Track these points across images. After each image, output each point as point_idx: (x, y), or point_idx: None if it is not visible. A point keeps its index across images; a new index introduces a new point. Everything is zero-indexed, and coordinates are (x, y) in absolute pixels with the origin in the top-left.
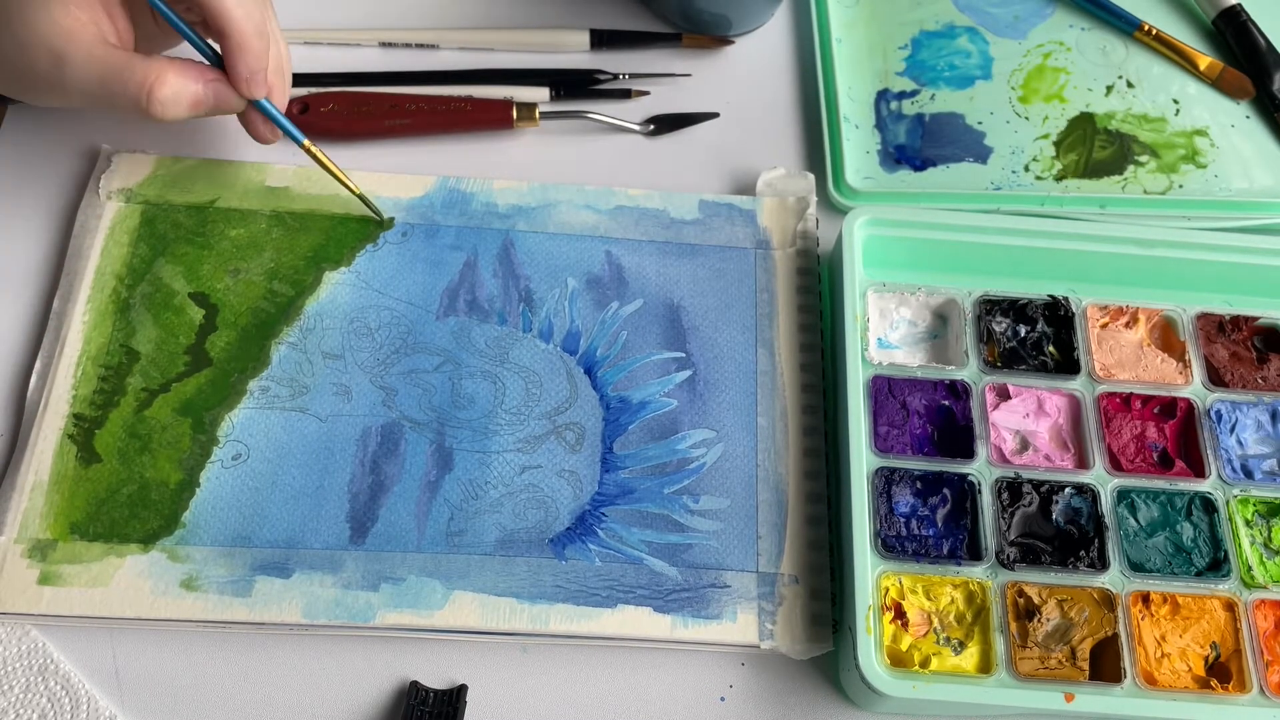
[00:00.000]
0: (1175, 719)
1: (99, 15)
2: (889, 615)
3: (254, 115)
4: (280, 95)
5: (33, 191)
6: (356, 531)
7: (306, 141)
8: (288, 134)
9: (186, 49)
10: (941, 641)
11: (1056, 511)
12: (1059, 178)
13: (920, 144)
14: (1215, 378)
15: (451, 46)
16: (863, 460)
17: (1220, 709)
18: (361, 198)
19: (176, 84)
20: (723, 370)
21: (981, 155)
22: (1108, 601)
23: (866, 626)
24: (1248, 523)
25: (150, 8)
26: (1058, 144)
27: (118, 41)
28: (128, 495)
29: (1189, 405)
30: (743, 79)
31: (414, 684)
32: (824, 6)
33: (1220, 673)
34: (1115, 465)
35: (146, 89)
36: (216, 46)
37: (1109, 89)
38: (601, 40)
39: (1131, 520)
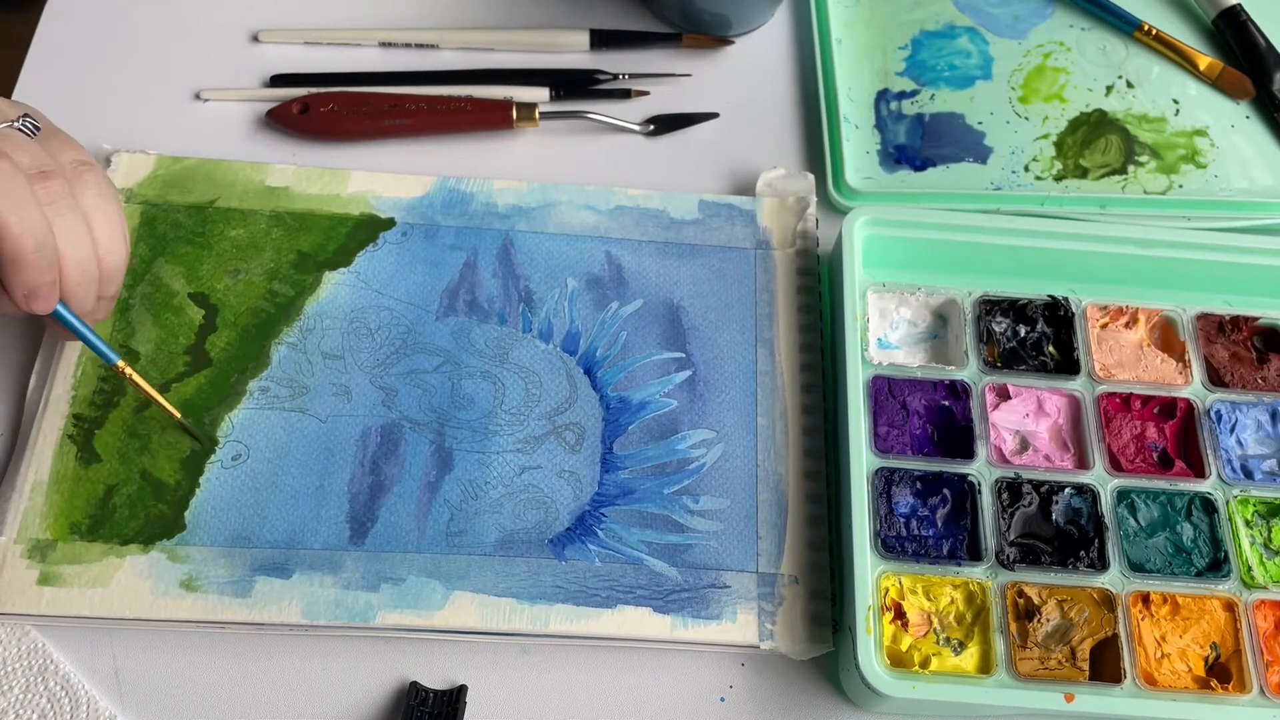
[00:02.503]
0: (1175, 719)
1: None
2: (889, 615)
3: (53, 323)
4: (84, 298)
5: None
6: (356, 532)
7: (120, 363)
8: (94, 350)
9: None
10: (941, 642)
11: (1056, 512)
12: (1059, 178)
13: (920, 144)
14: (1215, 378)
15: (451, 46)
16: (863, 460)
17: (1220, 709)
18: (182, 425)
19: None
20: (723, 370)
21: (981, 155)
22: (1108, 602)
23: (866, 627)
24: (1248, 523)
25: None
26: (1059, 144)
27: None
28: (127, 495)
29: (1189, 405)
30: (743, 79)
31: (414, 684)
32: (824, 6)
33: (1220, 673)
34: (1115, 465)
35: None
36: None
37: (1109, 89)
38: (601, 40)
39: (1131, 520)
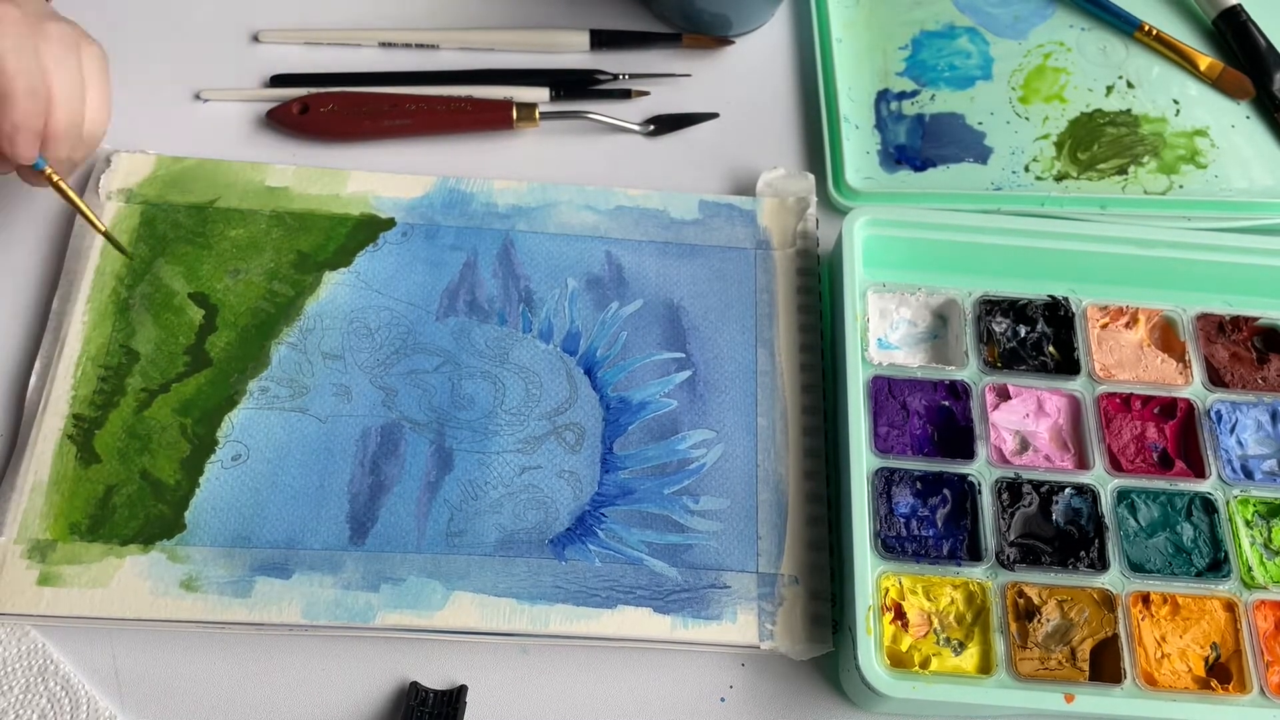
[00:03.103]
0: (1175, 719)
1: None
2: (889, 616)
3: (25, 170)
4: (66, 147)
5: (33, 192)
6: (356, 532)
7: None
8: (61, 192)
9: None
10: (941, 642)
11: (1056, 512)
12: (1059, 178)
13: (920, 144)
14: (1215, 378)
15: (451, 46)
16: (863, 461)
17: (1220, 709)
18: (108, 236)
19: None
20: (723, 370)
21: (981, 155)
22: (1108, 602)
23: (866, 627)
24: (1248, 523)
25: None
26: (1059, 144)
27: None
28: (127, 496)
29: (1189, 405)
30: (743, 79)
31: (414, 684)
32: (824, 6)
33: (1220, 673)
34: (1115, 465)
35: None
36: None
37: (1109, 89)
38: (601, 40)
39: (1131, 521)
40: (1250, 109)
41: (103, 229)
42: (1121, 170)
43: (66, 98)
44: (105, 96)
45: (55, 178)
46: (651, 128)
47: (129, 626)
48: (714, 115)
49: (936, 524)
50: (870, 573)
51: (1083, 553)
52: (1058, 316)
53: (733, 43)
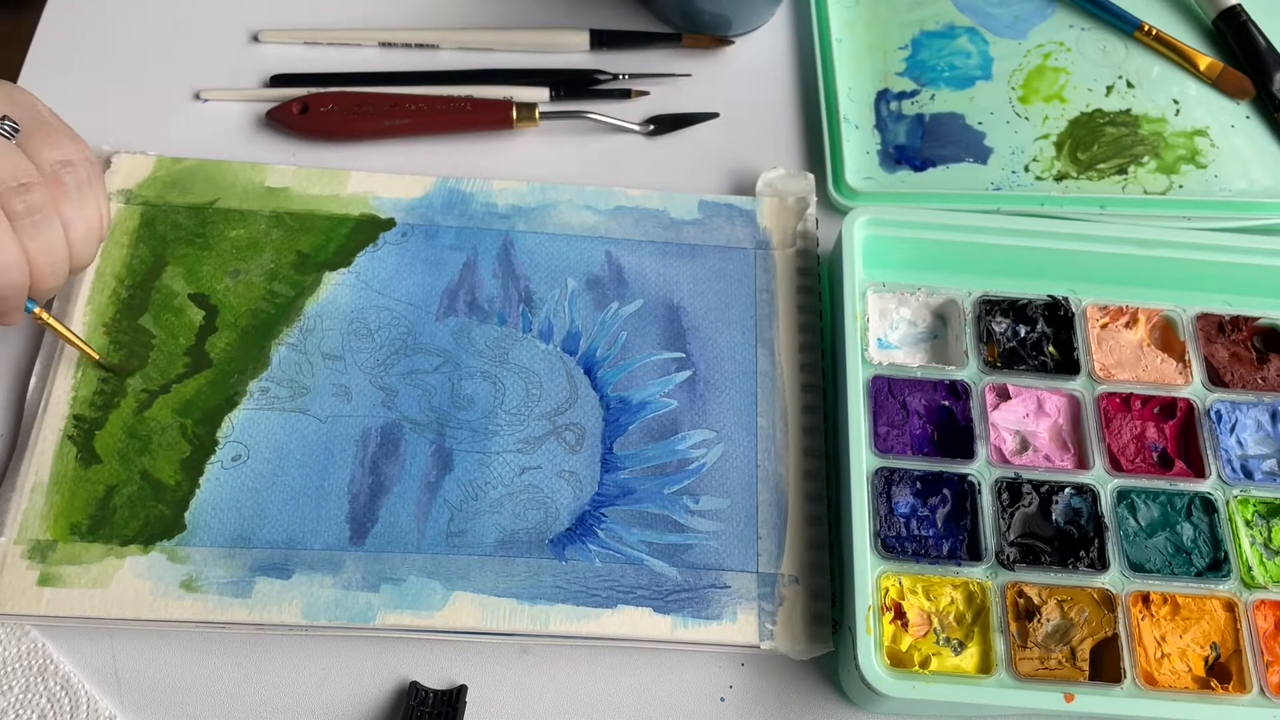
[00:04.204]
0: (1175, 719)
1: None
2: (889, 615)
3: None
4: (51, 293)
5: None
6: (356, 532)
7: (38, 309)
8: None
9: None
10: (941, 642)
11: (1056, 512)
12: (1059, 178)
13: (920, 144)
14: (1215, 378)
15: (451, 46)
16: (862, 460)
17: (1220, 709)
18: (101, 363)
19: None
20: (723, 370)
21: (981, 155)
22: (1108, 602)
23: (866, 627)
24: (1248, 523)
25: None
26: (1059, 144)
27: None
28: (128, 496)
29: (1189, 405)
30: (743, 79)
31: (414, 684)
32: (824, 6)
33: (1220, 673)
34: (1115, 465)
35: None
36: None
37: (1109, 89)
38: (601, 40)
39: (1131, 520)
40: (1250, 109)
41: (96, 358)
42: (1121, 170)
43: (49, 259)
44: (90, 227)
45: (45, 317)
46: (651, 128)
47: (129, 627)
48: (714, 115)
49: (936, 524)
50: (870, 572)
51: (1083, 552)
52: (1058, 316)
53: (733, 43)
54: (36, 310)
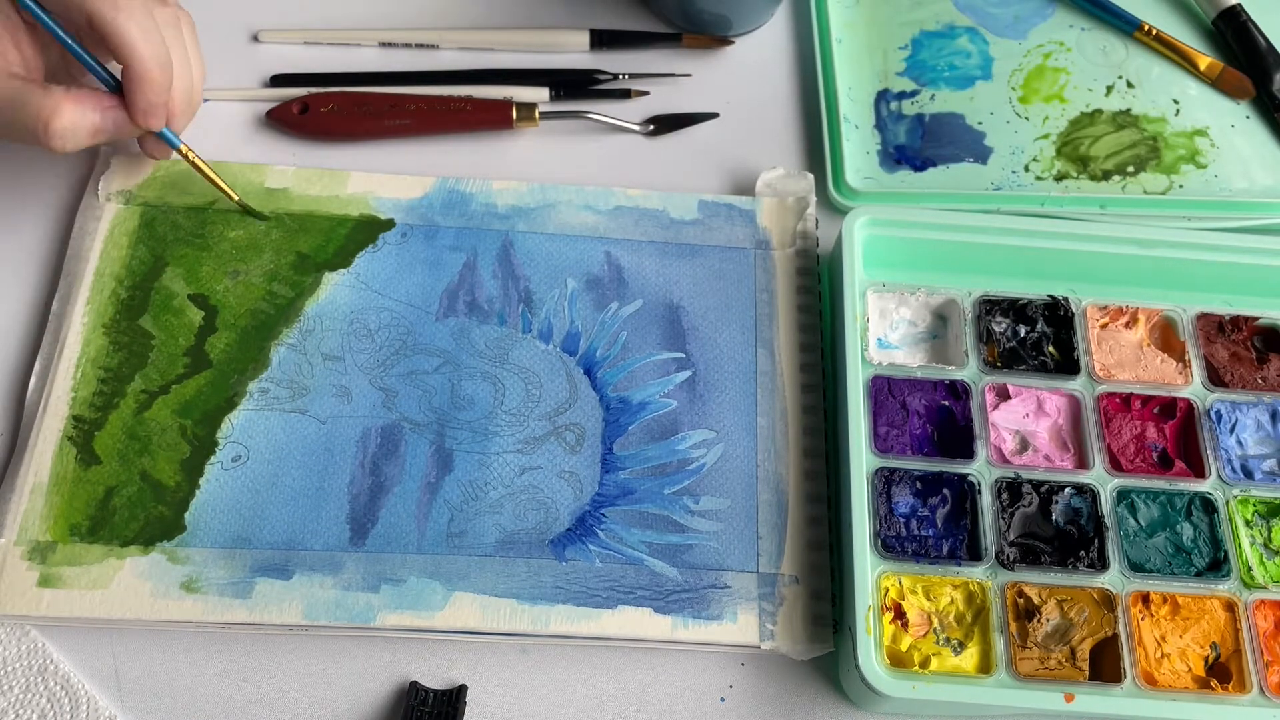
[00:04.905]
0: (1175, 719)
1: (4, 46)
2: (889, 615)
3: (149, 138)
4: (182, 119)
5: (32, 193)
6: (356, 533)
7: (184, 146)
8: (172, 146)
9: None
10: (941, 642)
11: (1056, 512)
12: (1059, 178)
13: (920, 144)
14: (1215, 378)
15: (451, 46)
16: (862, 460)
17: (1220, 709)
18: (242, 205)
19: (73, 115)
20: (723, 370)
21: (981, 155)
22: (1108, 602)
23: (866, 627)
24: (1248, 523)
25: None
26: (1059, 144)
27: (24, 71)
28: (127, 497)
29: (1189, 405)
30: (743, 79)
31: (414, 684)
32: (824, 6)
33: (1220, 673)
34: (1115, 465)
35: (43, 121)
36: (118, 71)
37: (1109, 89)
38: (601, 40)
39: (1131, 520)
40: (1250, 109)
41: (235, 198)
42: (1121, 170)
43: (183, 72)
44: (202, 63)
45: (191, 155)
46: (651, 128)
47: (129, 627)
48: (714, 115)
49: (936, 524)
50: (870, 572)
51: (1082, 552)
52: (1057, 316)
53: (733, 43)
54: (183, 147)
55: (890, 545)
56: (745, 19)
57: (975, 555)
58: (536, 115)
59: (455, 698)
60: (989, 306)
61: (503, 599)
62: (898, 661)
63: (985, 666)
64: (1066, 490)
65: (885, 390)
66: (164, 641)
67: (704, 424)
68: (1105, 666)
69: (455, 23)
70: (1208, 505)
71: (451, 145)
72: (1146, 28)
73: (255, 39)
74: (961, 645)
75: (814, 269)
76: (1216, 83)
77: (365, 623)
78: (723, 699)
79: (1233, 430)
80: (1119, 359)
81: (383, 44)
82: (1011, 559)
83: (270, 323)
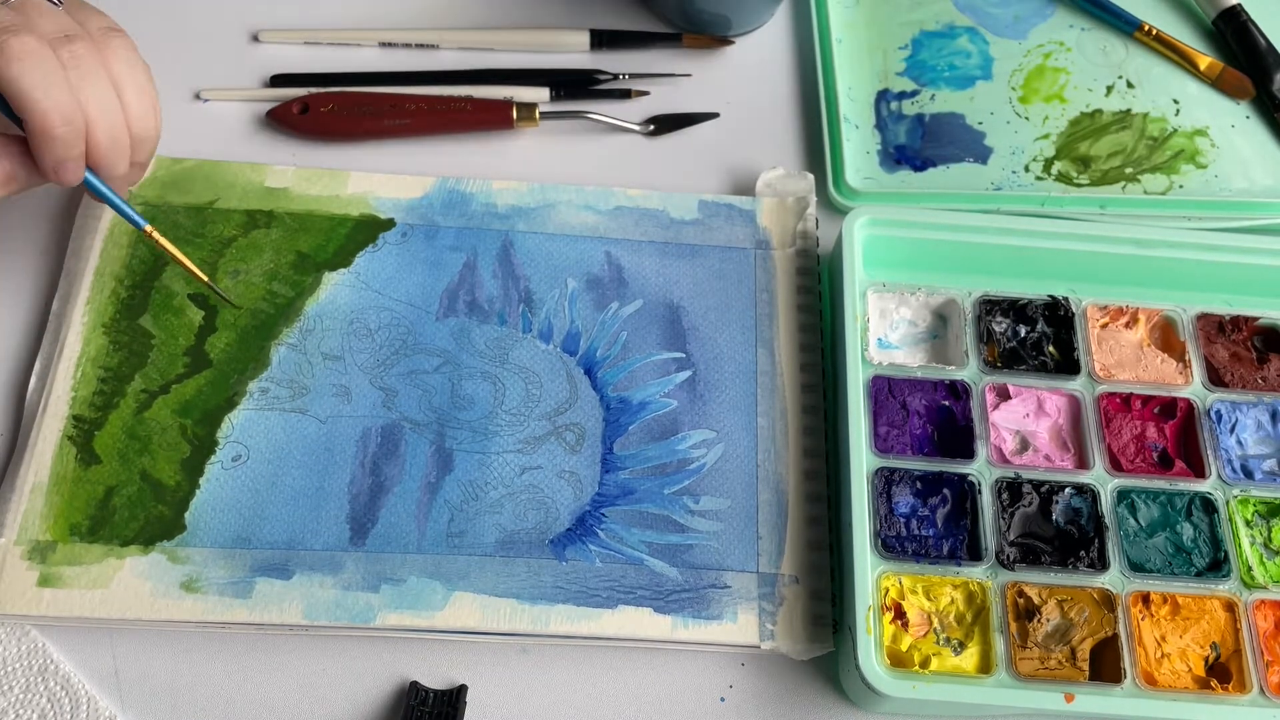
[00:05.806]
0: (1175, 719)
1: None
2: (889, 615)
3: (88, 191)
4: (116, 164)
5: (32, 192)
6: (357, 533)
7: (148, 227)
8: (124, 216)
9: None
10: (941, 642)
11: (1056, 512)
12: (1059, 178)
13: (920, 144)
14: (1215, 378)
15: (451, 46)
16: (863, 460)
17: (1220, 709)
18: (211, 288)
19: None
20: (723, 370)
21: (981, 155)
22: (1108, 602)
23: (866, 627)
24: (1248, 523)
25: None
26: (1059, 144)
27: None
28: (127, 497)
29: (1189, 405)
30: (743, 79)
31: (414, 684)
32: (824, 6)
33: (1220, 673)
34: (1115, 465)
35: None
36: None
37: (1109, 89)
38: (601, 40)
39: (1131, 520)
40: (1250, 109)
41: (205, 279)
42: (1121, 170)
43: (104, 117)
44: (144, 90)
45: (155, 235)
46: (651, 128)
47: (129, 627)
48: (714, 115)
49: (936, 524)
50: (870, 572)
51: (1083, 552)
52: (1058, 316)
53: (733, 43)
54: (148, 229)
55: (890, 545)
56: (745, 19)
57: (975, 555)
58: (537, 115)
59: (455, 698)
60: (989, 306)
61: (503, 599)
62: (898, 661)
63: (985, 666)
64: (1067, 490)
65: (885, 390)
66: (164, 641)
67: (704, 424)
68: (1105, 666)
69: (455, 23)
70: (1208, 505)
71: (451, 145)
72: (1146, 28)
73: (255, 39)
74: (962, 645)
75: (814, 269)
76: (1216, 83)
77: (365, 623)
78: (723, 699)
79: (1233, 430)
80: (1119, 359)
81: (383, 44)
82: (1011, 559)
83: (270, 322)
